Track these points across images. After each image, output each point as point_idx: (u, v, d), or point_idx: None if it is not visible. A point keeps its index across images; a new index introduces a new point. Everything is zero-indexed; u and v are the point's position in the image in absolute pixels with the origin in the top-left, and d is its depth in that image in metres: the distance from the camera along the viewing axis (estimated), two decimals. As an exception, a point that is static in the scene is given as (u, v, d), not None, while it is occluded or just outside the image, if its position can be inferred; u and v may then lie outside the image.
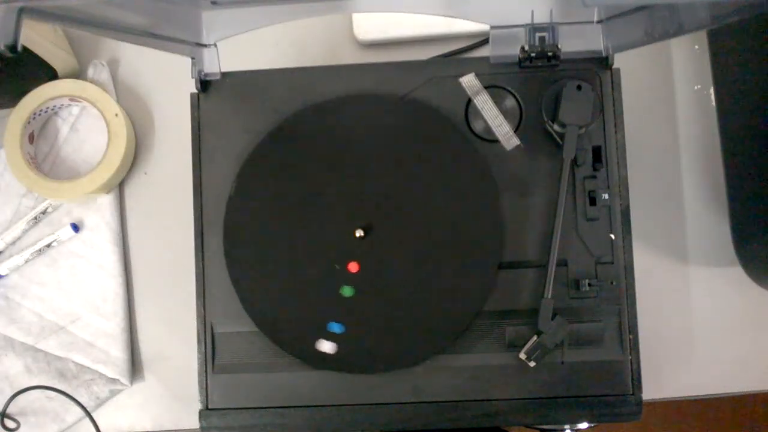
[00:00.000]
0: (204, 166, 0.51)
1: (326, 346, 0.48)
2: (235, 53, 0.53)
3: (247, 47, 0.61)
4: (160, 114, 0.63)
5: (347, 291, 0.49)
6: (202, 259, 0.50)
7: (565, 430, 0.63)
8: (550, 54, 0.48)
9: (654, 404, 0.57)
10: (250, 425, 0.49)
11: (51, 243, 0.61)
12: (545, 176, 0.49)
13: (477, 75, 0.50)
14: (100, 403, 0.61)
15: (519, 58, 0.49)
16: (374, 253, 0.49)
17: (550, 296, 0.47)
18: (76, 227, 0.61)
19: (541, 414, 0.48)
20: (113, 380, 0.60)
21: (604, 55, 0.48)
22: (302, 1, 0.45)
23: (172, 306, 0.61)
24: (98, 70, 0.62)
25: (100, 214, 0.61)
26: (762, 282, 0.54)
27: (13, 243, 0.62)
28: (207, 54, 0.50)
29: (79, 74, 0.63)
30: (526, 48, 0.48)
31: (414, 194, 0.49)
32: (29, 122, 0.60)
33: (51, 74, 0.61)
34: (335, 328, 0.48)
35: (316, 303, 0.49)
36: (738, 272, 0.56)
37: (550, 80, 0.49)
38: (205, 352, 0.50)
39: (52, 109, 0.62)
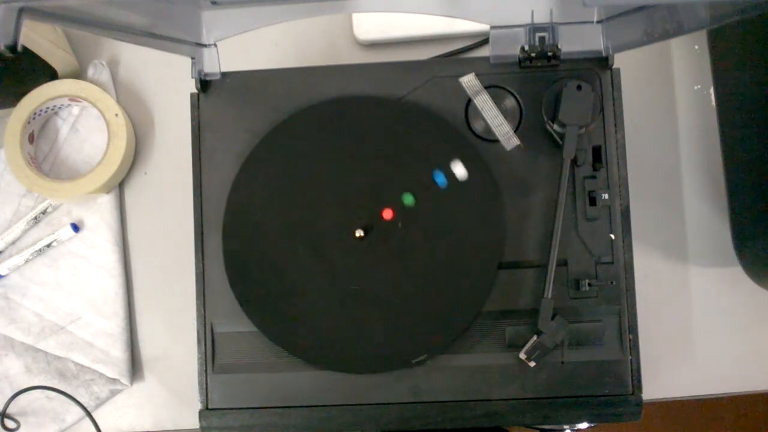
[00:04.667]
0: (204, 166, 0.51)
1: (459, 170, 0.46)
2: (235, 53, 0.53)
3: (247, 47, 0.61)
4: (160, 114, 0.63)
5: (408, 199, 0.48)
6: (202, 259, 0.50)
7: (565, 430, 0.63)
8: (550, 54, 0.48)
9: (654, 404, 0.57)
10: (250, 425, 0.49)
11: (51, 243, 0.61)
12: (545, 176, 0.49)
13: (477, 75, 0.50)
14: (100, 403, 0.61)
15: (519, 58, 0.49)
16: (374, 253, 0.49)
17: (550, 296, 0.47)
18: (76, 227, 0.61)
19: (541, 414, 0.48)
20: (113, 380, 0.60)
21: (604, 55, 0.48)
22: (302, 1, 0.45)
23: (172, 306, 0.61)
24: (98, 70, 0.62)
25: (100, 214, 0.61)
26: (762, 282, 0.54)
27: (13, 243, 0.62)
28: (207, 54, 0.50)
29: (79, 74, 0.63)
30: (526, 48, 0.48)
31: (414, 194, 0.49)
32: (29, 122, 0.60)
33: (51, 74, 0.61)
34: (440, 177, 0.47)
35: (316, 302, 0.49)
36: (738, 272, 0.56)
37: (550, 80, 0.49)
38: (205, 352, 0.50)
39: (52, 109, 0.62)
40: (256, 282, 0.50)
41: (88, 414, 0.59)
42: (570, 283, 0.48)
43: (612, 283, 0.48)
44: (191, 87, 0.51)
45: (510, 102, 0.50)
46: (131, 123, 0.62)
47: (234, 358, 0.50)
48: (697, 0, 0.38)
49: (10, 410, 0.60)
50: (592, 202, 0.49)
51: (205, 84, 0.51)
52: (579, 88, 0.47)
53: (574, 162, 0.48)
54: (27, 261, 0.61)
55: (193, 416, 0.50)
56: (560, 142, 0.48)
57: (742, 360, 0.58)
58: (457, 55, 0.62)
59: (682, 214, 0.60)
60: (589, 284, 0.48)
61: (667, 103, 0.61)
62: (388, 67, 0.51)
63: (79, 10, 0.38)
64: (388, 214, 0.49)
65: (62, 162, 0.62)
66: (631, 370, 0.48)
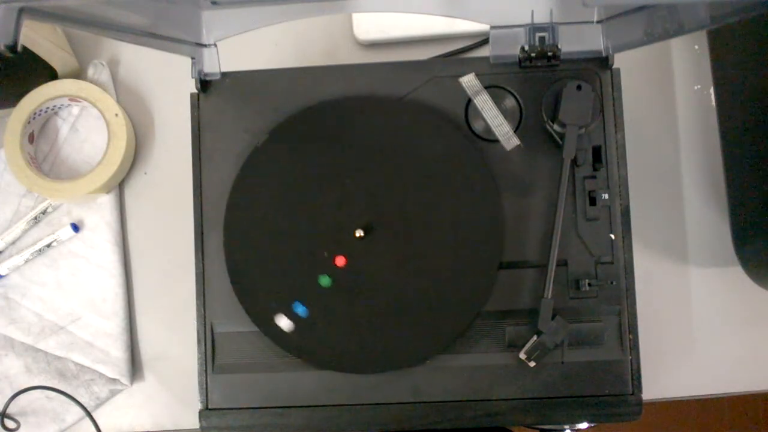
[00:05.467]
0: (204, 166, 0.51)
1: (283, 323, 0.48)
2: (235, 53, 0.53)
3: (247, 47, 0.61)
4: (160, 114, 0.63)
5: (325, 281, 0.48)
6: (202, 259, 0.50)
7: (565, 430, 0.63)
8: (550, 54, 0.48)
9: (654, 404, 0.57)
10: (250, 425, 0.49)
11: (51, 243, 0.61)
12: (545, 176, 0.49)
13: (477, 75, 0.50)
14: (100, 403, 0.61)
15: (519, 58, 0.49)
16: (374, 253, 0.49)
17: (550, 296, 0.47)
18: (76, 227, 0.61)
19: (541, 414, 0.48)
20: (113, 380, 0.60)
21: (604, 55, 0.48)
22: (302, 1, 0.45)
23: (172, 306, 0.61)
24: (98, 70, 0.62)
25: (100, 214, 0.61)
26: (762, 282, 0.54)
27: (13, 243, 0.62)
28: (207, 54, 0.50)
29: (79, 74, 0.63)
30: (526, 48, 0.48)
31: (414, 194, 0.49)
32: (29, 122, 0.60)
33: (51, 74, 0.61)
34: (300, 309, 0.48)
35: (317, 303, 0.49)
36: (738, 272, 0.56)
37: (550, 80, 0.49)
38: (205, 352, 0.50)
39: (52, 109, 0.62)
40: (257, 282, 0.50)
41: (88, 414, 0.59)
42: (570, 283, 0.48)
43: (612, 283, 0.48)
44: (191, 87, 0.51)
45: (510, 102, 0.50)
46: (131, 123, 0.62)
47: (234, 358, 0.50)
48: (697, 0, 0.38)
49: (10, 410, 0.60)
50: (592, 202, 0.49)
51: (205, 84, 0.51)
52: (579, 88, 0.48)
53: (574, 162, 0.48)
54: (27, 261, 0.61)
55: (193, 416, 0.50)
56: (560, 142, 0.48)
57: (742, 360, 0.58)
58: (457, 55, 0.62)
59: (682, 214, 0.60)
60: (589, 284, 0.48)
61: (667, 103, 0.61)
62: (388, 67, 0.51)
63: (79, 10, 0.38)
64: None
65: (62, 162, 0.62)
66: (631, 370, 0.48)
